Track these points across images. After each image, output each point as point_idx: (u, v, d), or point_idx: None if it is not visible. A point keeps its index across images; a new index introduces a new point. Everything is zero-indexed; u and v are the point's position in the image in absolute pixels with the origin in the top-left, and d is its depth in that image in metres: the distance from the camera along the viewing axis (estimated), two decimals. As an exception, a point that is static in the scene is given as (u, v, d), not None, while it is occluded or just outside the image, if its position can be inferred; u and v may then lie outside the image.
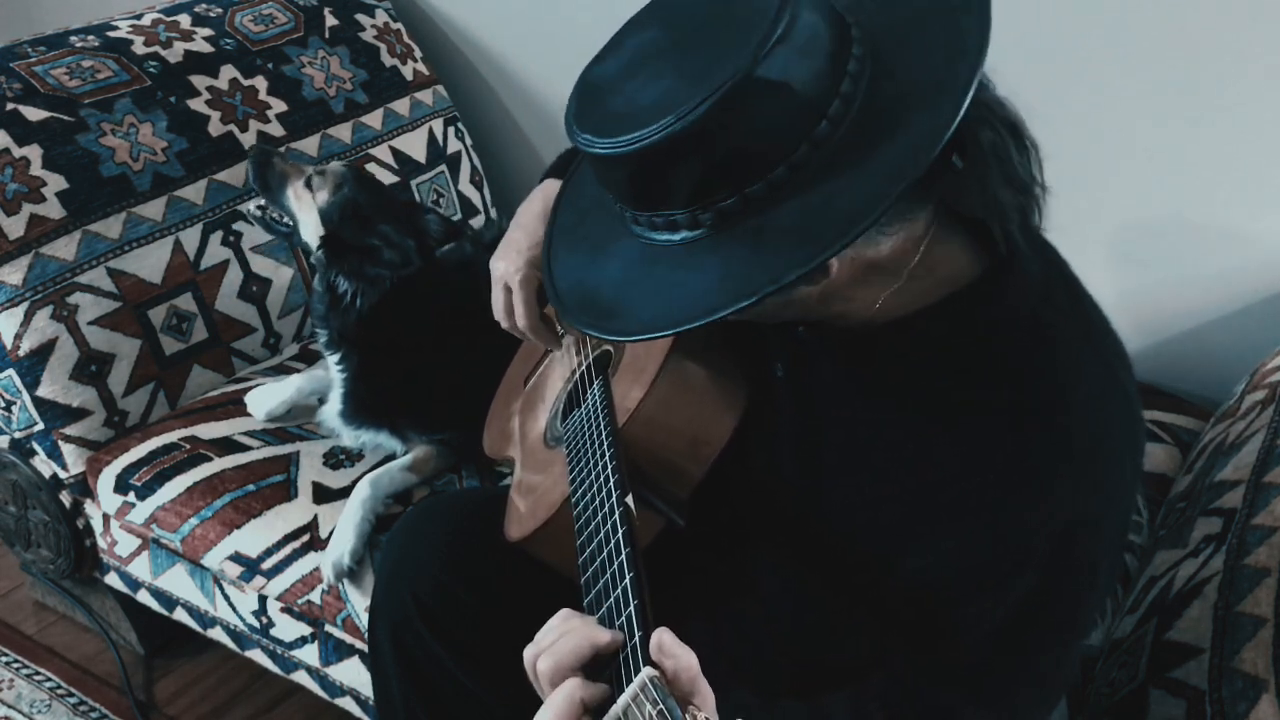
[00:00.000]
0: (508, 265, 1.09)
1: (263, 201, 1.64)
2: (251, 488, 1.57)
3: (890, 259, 0.82)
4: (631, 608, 0.71)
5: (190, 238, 1.82)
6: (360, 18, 2.20)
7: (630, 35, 0.80)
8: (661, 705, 0.60)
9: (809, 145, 0.74)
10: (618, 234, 0.85)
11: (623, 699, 0.64)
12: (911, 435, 0.88)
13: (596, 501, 0.87)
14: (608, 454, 0.92)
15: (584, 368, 1.13)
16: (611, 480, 0.88)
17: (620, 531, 0.80)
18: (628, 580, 0.74)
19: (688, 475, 0.99)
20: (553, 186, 1.10)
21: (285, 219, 1.61)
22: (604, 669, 0.69)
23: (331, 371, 1.61)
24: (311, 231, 1.56)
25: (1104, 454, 0.83)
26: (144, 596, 1.77)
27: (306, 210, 1.56)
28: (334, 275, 1.54)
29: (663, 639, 0.65)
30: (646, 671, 0.63)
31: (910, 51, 0.77)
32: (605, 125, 0.77)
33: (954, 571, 0.84)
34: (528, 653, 0.73)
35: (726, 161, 0.75)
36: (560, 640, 0.70)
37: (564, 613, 0.74)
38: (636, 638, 0.68)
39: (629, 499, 0.84)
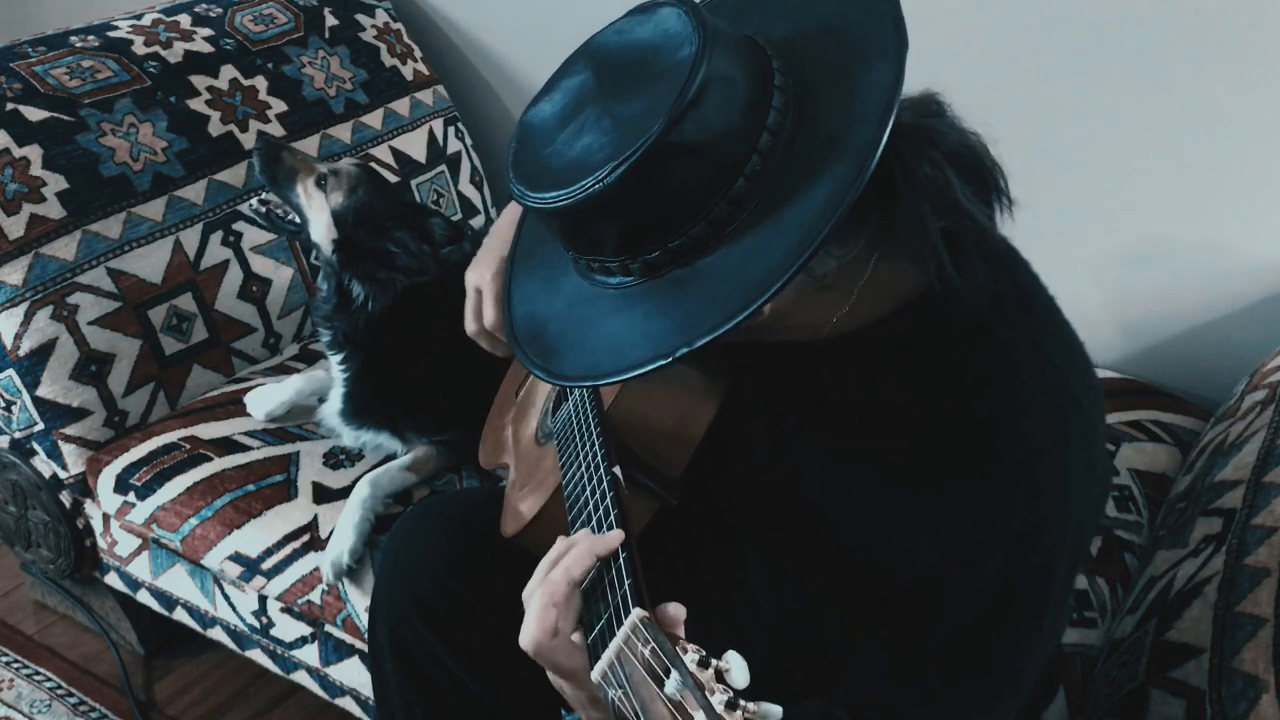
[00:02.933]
0: (482, 271, 1.10)
1: (264, 198, 1.63)
2: (251, 488, 1.57)
3: (837, 281, 0.83)
4: (621, 559, 0.74)
5: (190, 238, 1.82)
6: (360, 18, 2.20)
7: (564, 76, 0.82)
8: (653, 643, 0.62)
9: (726, 203, 0.76)
10: (566, 265, 0.87)
11: (615, 641, 0.66)
12: (870, 441, 0.89)
13: (586, 475, 0.90)
14: (595, 432, 0.94)
15: None
16: (599, 454, 0.90)
17: (609, 496, 0.83)
18: None
19: (676, 455, 1.00)
20: None
21: (291, 216, 1.60)
22: (597, 615, 0.72)
23: (333, 371, 1.61)
24: (323, 233, 1.54)
25: (1055, 461, 0.84)
26: (144, 596, 1.77)
27: (318, 210, 1.55)
28: (347, 279, 1.53)
29: (678, 612, 0.69)
30: (636, 612, 0.66)
31: (834, 97, 0.77)
32: (536, 177, 0.79)
33: (919, 570, 0.85)
34: (527, 592, 0.78)
35: (644, 220, 0.77)
36: (565, 556, 0.77)
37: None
38: (627, 585, 0.70)
39: (616, 469, 0.87)
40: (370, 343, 1.54)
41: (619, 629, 0.66)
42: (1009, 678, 0.88)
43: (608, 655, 0.66)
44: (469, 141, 2.28)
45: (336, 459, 1.62)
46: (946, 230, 0.81)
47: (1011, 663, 0.87)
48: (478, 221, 2.27)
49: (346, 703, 1.59)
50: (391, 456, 1.58)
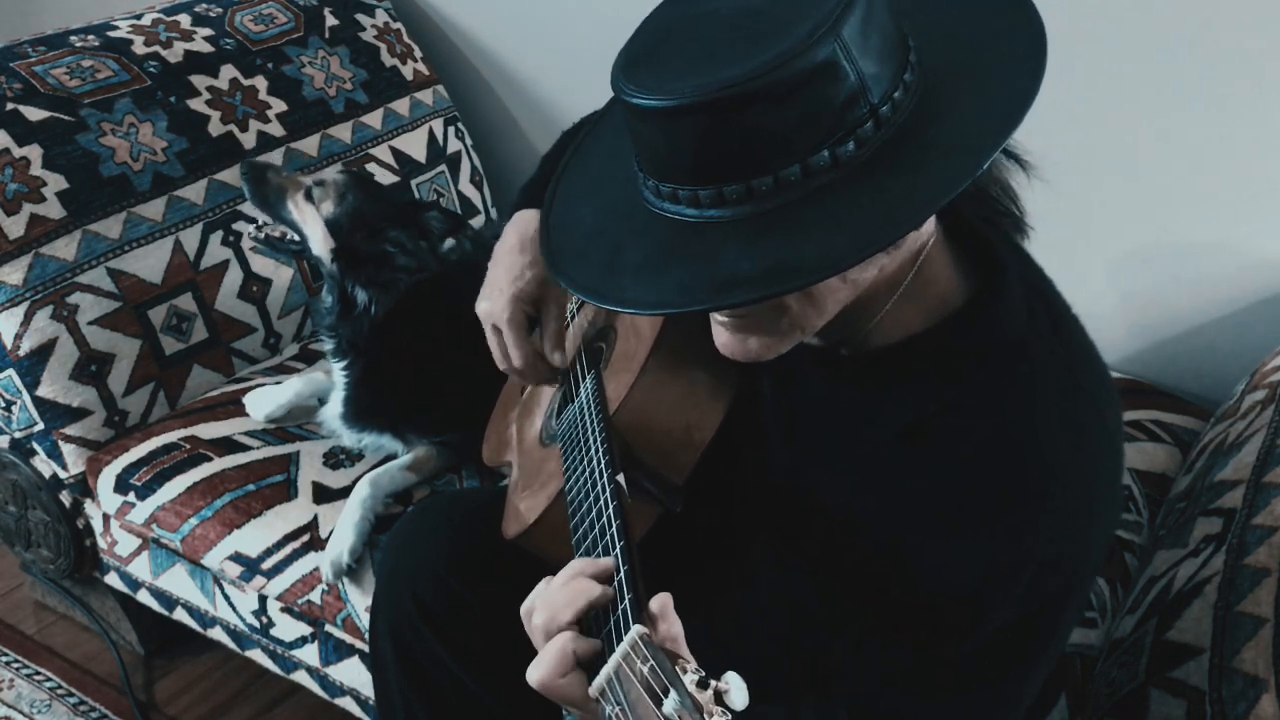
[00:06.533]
0: (493, 305, 1.07)
1: (260, 224, 1.62)
2: (251, 487, 1.57)
3: (886, 275, 0.83)
4: (622, 574, 0.73)
5: (190, 238, 1.82)
6: (360, 18, 2.20)
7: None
8: (652, 661, 0.62)
9: (854, 141, 0.73)
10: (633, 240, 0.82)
11: (614, 658, 0.65)
12: (895, 457, 0.88)
13: (589, 483, 0.88)
14: (599, 438, 0.93)
15: (577, 365, 1.14)
16: (603, 461, 0.89)
17: (611, 506, 0.82)
18: (618, 550, 0.76)
19: (682, 461, 0.99)
20: (524, 218, 1.10)
21: (291, 236, 1.59)
22: (597, 629, 0.71)
23: (335, 374, 1.60)
24: (321, 245, 1.54)
25: (1085, 486, 0.84)
26: (144, 596, 1.77)
27: (312, 223, 1.54)
28: (350, 287, 1.53)
29: (665, 602, 0.68)
30: (636, 629, 0.65)
31: (955, 107, 0.77)
32: (663, 77, 0.73)
33: (935, 588, 0.84)
34: (524, 607, 0.75)
35: (797, 124, 0.72)
36: (556, 592, 0.73)
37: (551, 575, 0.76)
38: (627, 600, 0.69)
39: (620, 477, 0.86)
40: (374, 347, 1.54)
41: (618, 645, 0.65)
42: (1020, 691, 0.88)
43: (606, 671, 0.65)
44: (469, 141, 2.28)
45: (336, 459, 1.62)
46: (987, 242, 0.84)
47: (1024, 676, 0.87)
48: (477, 221, 2.27)
49: (346, 703, 1.59)
50: (392, 456, 1.58)
